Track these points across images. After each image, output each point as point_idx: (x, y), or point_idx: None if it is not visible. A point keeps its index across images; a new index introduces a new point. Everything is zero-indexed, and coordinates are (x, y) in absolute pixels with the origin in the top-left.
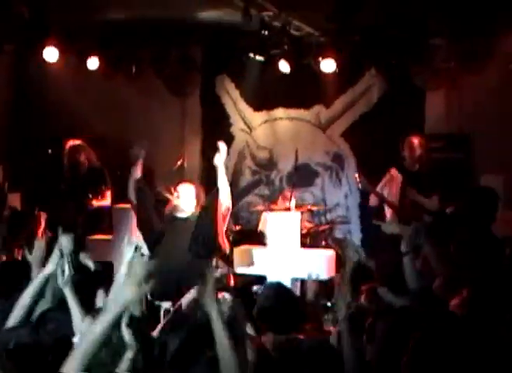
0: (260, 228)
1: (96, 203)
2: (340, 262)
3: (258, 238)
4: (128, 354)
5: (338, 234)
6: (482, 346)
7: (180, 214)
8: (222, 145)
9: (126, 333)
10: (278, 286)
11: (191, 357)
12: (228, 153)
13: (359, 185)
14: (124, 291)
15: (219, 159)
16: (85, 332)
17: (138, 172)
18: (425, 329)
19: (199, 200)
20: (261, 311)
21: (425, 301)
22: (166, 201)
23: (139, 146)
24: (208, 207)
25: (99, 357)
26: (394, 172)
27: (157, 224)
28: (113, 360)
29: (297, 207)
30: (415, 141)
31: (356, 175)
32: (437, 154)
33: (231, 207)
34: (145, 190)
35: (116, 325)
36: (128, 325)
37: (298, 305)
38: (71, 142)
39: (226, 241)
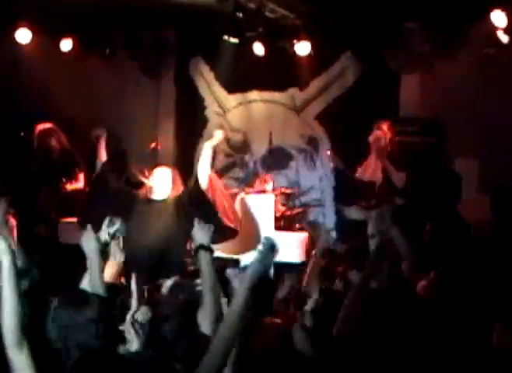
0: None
1: (70, 186)
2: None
3: None
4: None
5: (312, 217)
6: (448, 327)
7: (155, 196)
8: (218, 133)
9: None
10: None
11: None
12: (202, 136)
13: (331, 162)
14: None
15: (209, 144)
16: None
17: (102, 155)
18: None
19: (175, 183)
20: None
21: (393, 283)
22: (140, 184)
23: (100, 128)
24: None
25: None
26: (384, 125)
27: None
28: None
29: (272, 190)
30: (385, 126)
31: (328, 152)
32: (411, 138)
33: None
34: (107, 175)
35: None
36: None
37: (274, 288)
38: (42, 126)
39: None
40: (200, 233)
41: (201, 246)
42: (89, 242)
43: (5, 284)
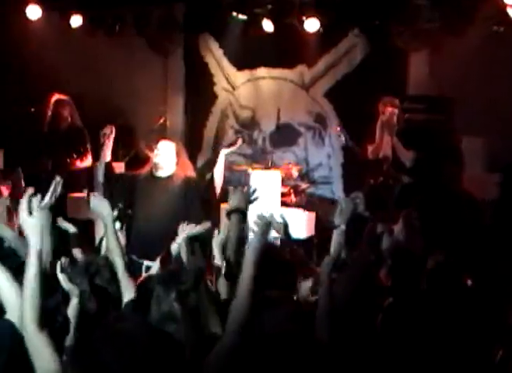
0: None
1: (79, 164)
2: (319, 222)
3: None
4: (73, 301)
5: (320, 194)
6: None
7: (160, 173)
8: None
9: (61, 279)
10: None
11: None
12: (211, 112)
13: (341, 137)
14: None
15: (225, 152)
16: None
17: (106, 155)
18: None
19: (179, 158)
20: None
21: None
22: (146, 160)
23: (108, 126)
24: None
25: None
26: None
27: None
28: None
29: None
30: (393, 103)
31: (338, 128)
32: (419, 115)
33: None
34: (111, 176)
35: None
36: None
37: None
38: (58, 96)
39: None
40: (235, 198)
41: (236, 209)
42: (102, 208)
43: (32, 260)
